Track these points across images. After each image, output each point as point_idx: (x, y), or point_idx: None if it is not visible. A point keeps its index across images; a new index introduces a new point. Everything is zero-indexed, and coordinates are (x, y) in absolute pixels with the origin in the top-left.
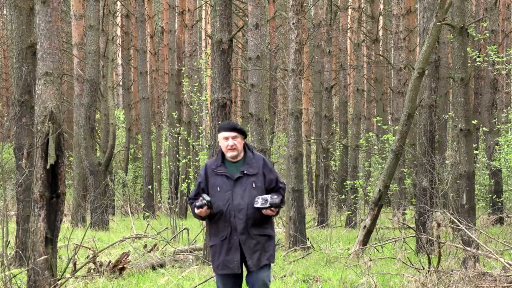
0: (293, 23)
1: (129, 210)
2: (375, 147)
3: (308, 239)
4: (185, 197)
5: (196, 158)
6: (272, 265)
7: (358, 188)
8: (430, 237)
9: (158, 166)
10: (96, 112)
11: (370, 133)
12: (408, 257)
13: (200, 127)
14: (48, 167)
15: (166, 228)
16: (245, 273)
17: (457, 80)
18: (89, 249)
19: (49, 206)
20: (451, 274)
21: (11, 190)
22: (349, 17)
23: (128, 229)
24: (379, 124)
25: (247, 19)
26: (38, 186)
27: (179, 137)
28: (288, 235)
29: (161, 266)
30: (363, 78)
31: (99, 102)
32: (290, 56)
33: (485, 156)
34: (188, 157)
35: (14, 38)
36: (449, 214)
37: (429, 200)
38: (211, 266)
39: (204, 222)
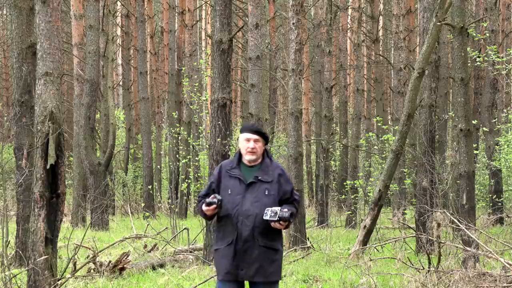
0: (293, 23)
1: (129, 210)
2: (375, 147)
3: (308, 239)
4: (185, 197)
5: (196, 158)
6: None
7: (358, 188)
8: (430, 237)
9: (158, 166)
10: (96, 112)
11: (370, 133)
12: (408, 257)
13: (200, 127)
14: (48, 167)
15: (166, 228)
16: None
17: (457, 80)
18: (89, 249)
19: (49, 206)
20: (451, 274)
21: (11, 190)
22: (349, 17)
23: (128, 229)
24: (379, 124)
25: (247, 19)
26: (38, 186)
27: (179, 137)
28: (288, 235)
29: (161, 266)
30: (363, 78)
31: (99, 102)
32: (290, 56)
33: (485, 156)
34: (188, 157)
35: (14, 38)
36: (449, 214)
37: (429, 200)
38: (212, 266)
39: (204, 222)
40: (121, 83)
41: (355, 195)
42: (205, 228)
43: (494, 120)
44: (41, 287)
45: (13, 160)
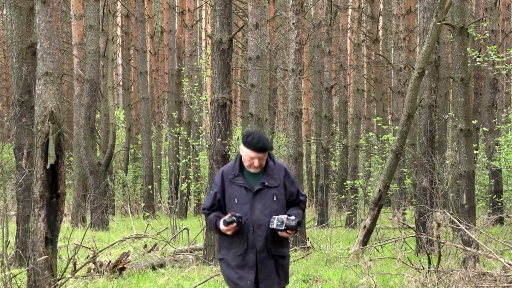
0: (293, 23)
1: (129, 210)
2: (375, 147)
3: (308, 239)
4: (185, 197)
5: (196, 158)
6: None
7: (358, 188)
8: (430, 237)
9: (158, 166)
10: (96, 112)
11: (370, 133)
12: (408, 257)
13: (200, 127)
14: (48, 167)
15: (166, 228)
16: None
17: (457, 80)
18: (89, 249)
19: (49, 206)
20: (451, 274)
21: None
22: (349, 17)
23: (128, 229)
24: (379, 124)
25: (247, 19)
26: (38, 186)
27: (179, 137)
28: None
29: (161, 266)
30: (363, 78)
31: (99, 102)
32: (290, 56)
33: (485, 156)
34: (188, 157)
35: (14, 38)
36: (449, 214)
37: (429, 200)
38: (212, 266)
39: (204, 222)
40: (121, 83)
41: (355, 195)
42: (205, 228)
43: (494, 120)
44: (41, 287)
45: (13, 160)
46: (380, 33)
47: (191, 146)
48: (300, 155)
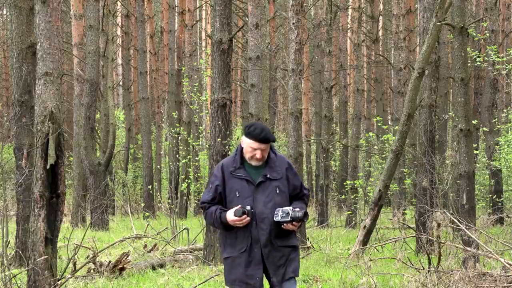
0: (293, 23)
1: (129, 210)
2: (375, 147)
3: (308, 239)
4: (185, 197)
5: (196, 158)
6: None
7: (358, 188)
8: (430, 237)
9: (158, 166)
10: (96, 112)
11: (370, 133)
12: (408, 257)
13: (200, 127)
14: (48, 167)
15: (166, 228)
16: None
17: (457, 80)
18: (89, 249)
19: (49, 206)
20: (451, 274)
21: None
22: (349, 17)
23: (128, 229)
24: (379, 124)
25: (247, 19)
26: (38, 186)
27: (179, 137)
28: None
29: (161, 266)
30: (363, 78)
31: (99, 102)
32: (290, 56)
33: (485, 156)
34: (188, 157)
35: (14, 38)
36: (449, 214)
37: (429, 200)
38: (212, 266)
39: (204, 222)
40: (121, 83)
41: (355, 195)
42: (205, 228)
43: (494, 120)
44: (41, 287)
45: (13, 160)
46: (380, 33)
47: (191, 146)
48: (300, 155)
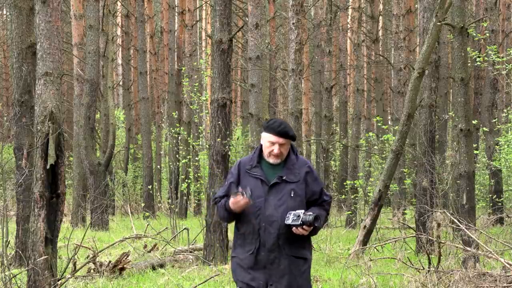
0: (293, 23)
1: (129, 210)
2: (375, 147)
3: None
4: (185, 197)
5: (196, 158)
6: None
7: (358, 188)
8: (430, 237)
9: (158, 166)
10: (96, 112)
11: (370, 133)
12: (408, 257)
13: (200, 127)
14: (48, 167)
15: (166, 228)
16: None
17: (457, 80)
18: (89, 249)
19: (49, 206)
20: (451, 274)
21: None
22: (349, 17)
23: (128, 229)
24: (379, 124)
25: (247, 19)
26: (38, 186)
27: (179, 137)
28: None
29: (161, 266)
30: (363, 78)
31: (99, 102)
32: (290, 56)
33: (485, 156)
34: (188, 157)
35: (14, 38)
36: (449, 214)
37: (429, 200)
38: (212, 266)
39: (204, 222)
40: (121, 83)
41: (355, 195)
42: (205, 228)
43: (494, 120)
44: (41, 287)
45: (13, 160)
46: (380, 33)
47: (191, 146)
48: (300, 155)
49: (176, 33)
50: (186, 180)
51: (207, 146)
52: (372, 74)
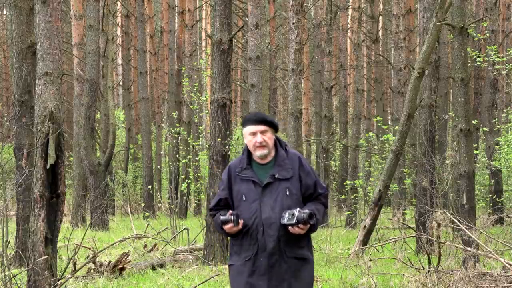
0: (293, 23)
1: (129, 210)
2: (375, 147)
3: None
4: (185, 197)
5: (196, 158)
6: None
7: (358, 188)
8: (430, 237)
9: (158, 166)
10: (96, 112)
11: (370, 133)
12: (408, 257)
13: (200, 127)
14: (48, 167)
15: (166, 228)
16: None
17: (457, 80)
18: (89, 249)
19: (49, 206)
20: (451, 274)
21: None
22: (349, 17)
23: (128, 229)
24: (379, 124)
25: (247, 19)
26: (38, 186)
27: (179, 137)
28: None
29: (161, 266)
30: (363, 78)
31: (99, 102)
32: (290, 56)
33: (485, 156)
34: (188, 157)
35: (14, 38)
36: (449, 214)
37: (429, 200)
38: (212, 266)
39: (204, 222)
40: (121, 83)
41: (355, 195)
42: (205, 228)
43: (494, 120)
44: (41, 287)
45: (13, 160)
46: (380, 33)
47: (191, 146)
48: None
49: (176, 33)
50: (186, 180)
51: (207, 146)
52: (372, 74)
